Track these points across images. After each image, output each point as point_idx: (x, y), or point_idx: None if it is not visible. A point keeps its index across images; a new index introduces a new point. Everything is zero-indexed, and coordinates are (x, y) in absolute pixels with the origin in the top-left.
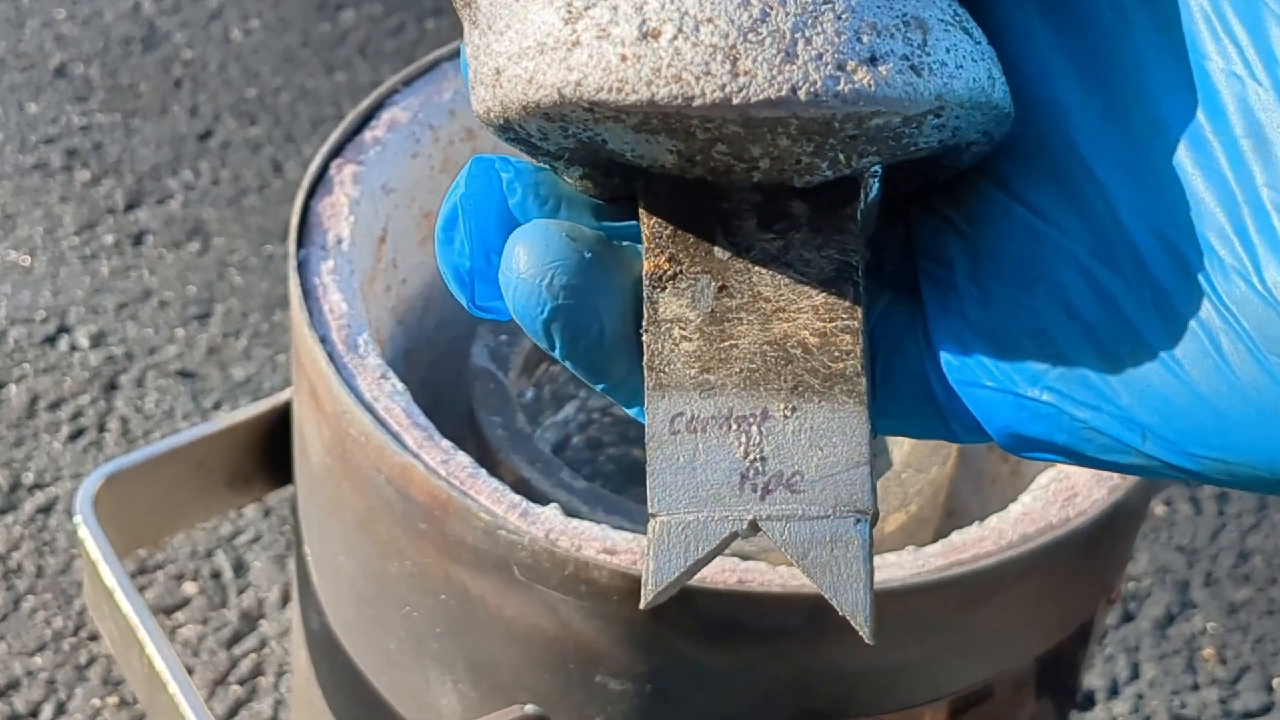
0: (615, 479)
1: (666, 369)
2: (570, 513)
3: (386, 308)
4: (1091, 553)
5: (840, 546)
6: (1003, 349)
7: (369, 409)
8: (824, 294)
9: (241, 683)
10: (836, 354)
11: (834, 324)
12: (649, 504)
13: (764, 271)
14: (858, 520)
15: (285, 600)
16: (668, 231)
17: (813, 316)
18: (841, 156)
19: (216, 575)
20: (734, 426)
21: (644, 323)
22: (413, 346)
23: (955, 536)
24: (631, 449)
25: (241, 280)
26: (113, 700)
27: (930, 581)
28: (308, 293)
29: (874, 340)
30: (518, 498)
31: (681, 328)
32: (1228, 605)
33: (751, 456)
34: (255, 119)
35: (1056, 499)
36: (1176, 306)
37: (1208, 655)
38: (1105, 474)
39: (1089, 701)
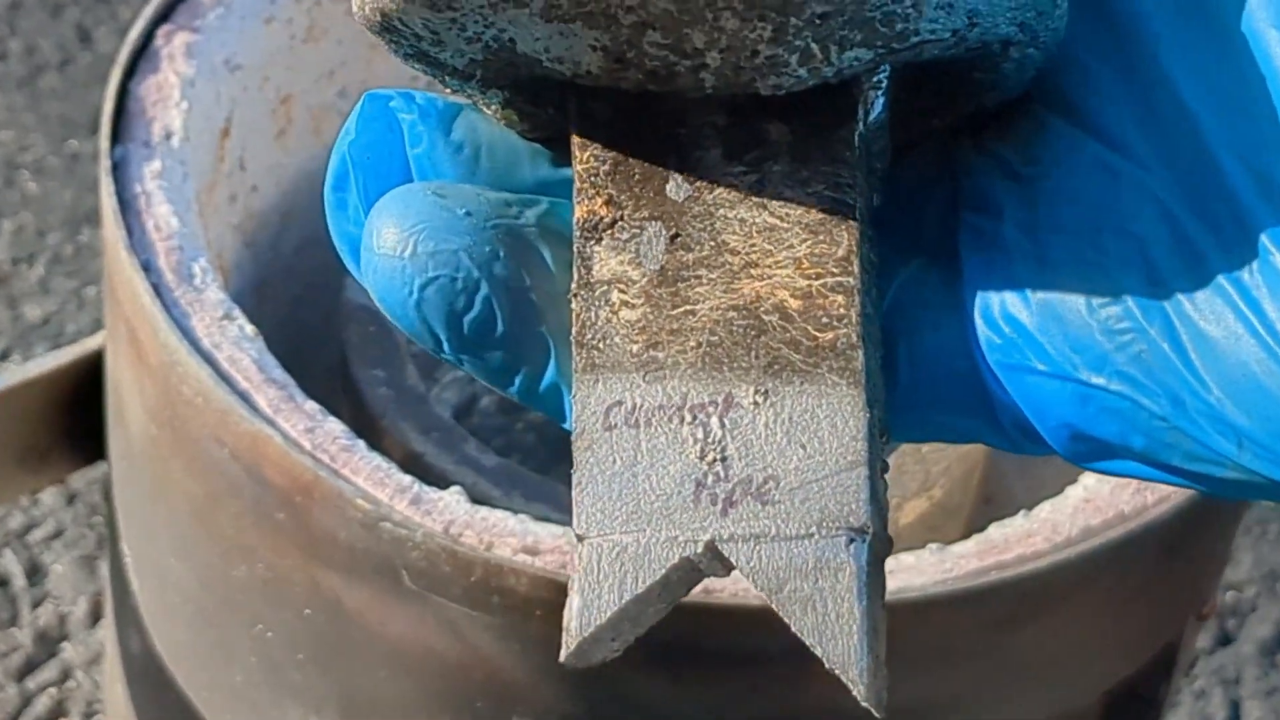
0: (537, 453)
1: (601, 345)
2: (478, 499)
3: (231, 224)
4: (1176, 553)
5: (826, 576)
6: (1060, 321)
7: (208, 360)
8: (810, 242)
9: None
10: (825, 320)
11: (822, 281)
12: (574, 522)
13: (731, 215)
14: (851, 540)
15: (96, 617)
16: (606, 167)
17: (794, 272)
18: (815, 48)
19: (4, 583)
20: (688, 418)
21: (573, 285)
22: (267, 276)
23: (994, 531)
24: None
25: (37, 187)
26: None
27: (960, 591)
28: (126, 204)
29: (901, 313)
30: (408, 479)
31: (622, 290)
32: None
33: (710, 457)
34: None
35: (1129, 481)
36: (1279, 268)
37: None
38: None
39: None
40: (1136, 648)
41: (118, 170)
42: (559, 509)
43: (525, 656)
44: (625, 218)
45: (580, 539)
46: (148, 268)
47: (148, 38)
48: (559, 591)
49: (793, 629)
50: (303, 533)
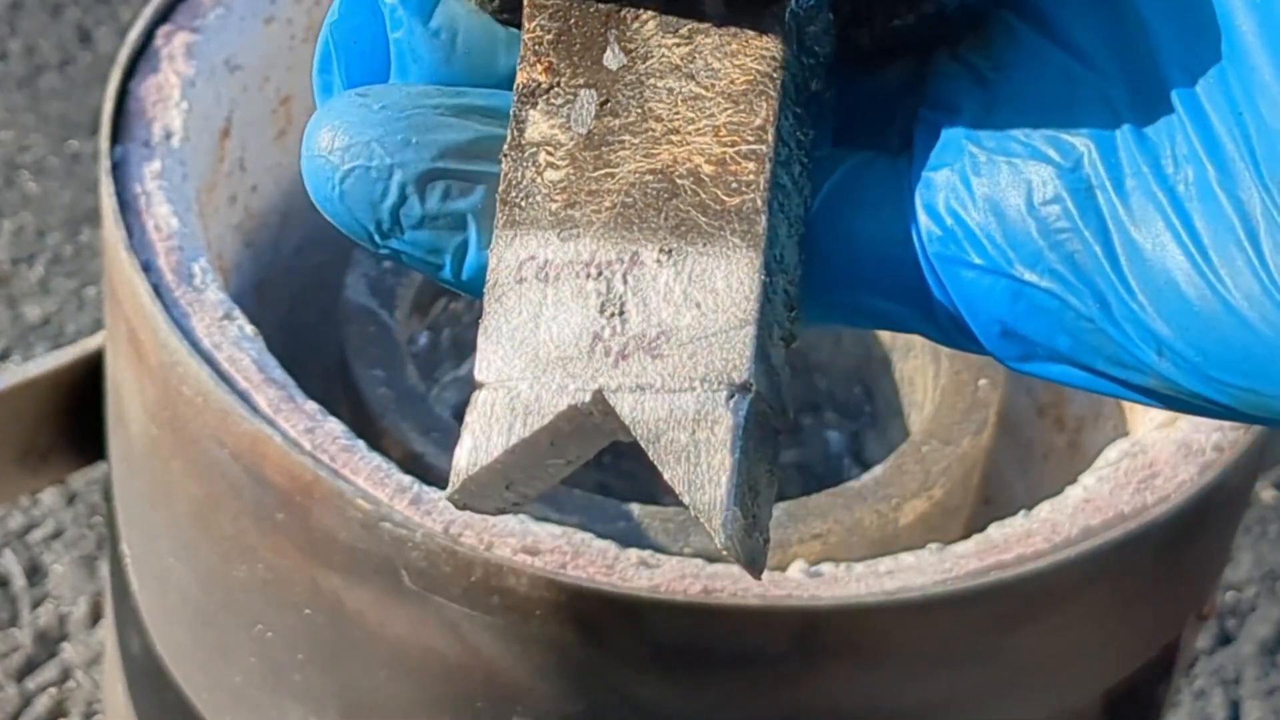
0: None
1: (524, 203)
2: None
3: (231, 224)
4: (1177, 553)
5: (703, 428)
6: (1001, 216)
7: (208, 360)
8: (730, 111)
9: None
10: (734, 185)
11: (736, 148)
12: (475, 369)
13: (660, 85)
14: (731, 395)
15: (96, 617)
16: (550, 36)
17: (712, 139)
18: None
19: (3, 583)
20: (594, 274)
21: (505, 146)
22: (267, 276)
23: (994, 531)
24: None
25: (37, 187)
26: None
27: (960, 591)
28: (126, 204)
29: (845, 195)
30: (408, 479)
31: (550, 152)
32: None
33: (609, 312)
34: None
35: (1129, 480)
36: (1212, 184)
37: None
38: (1194, 449)
39: None
40: (1136, 648)
41: (118, 170)
42: (559, 509)
43: (525, 656)
44: (561, 84)
45: (479, 385)
46: (148, 268)
47: (148, 38)
48: (559, 591)
49: (665, 479)
50: (303, 533)
